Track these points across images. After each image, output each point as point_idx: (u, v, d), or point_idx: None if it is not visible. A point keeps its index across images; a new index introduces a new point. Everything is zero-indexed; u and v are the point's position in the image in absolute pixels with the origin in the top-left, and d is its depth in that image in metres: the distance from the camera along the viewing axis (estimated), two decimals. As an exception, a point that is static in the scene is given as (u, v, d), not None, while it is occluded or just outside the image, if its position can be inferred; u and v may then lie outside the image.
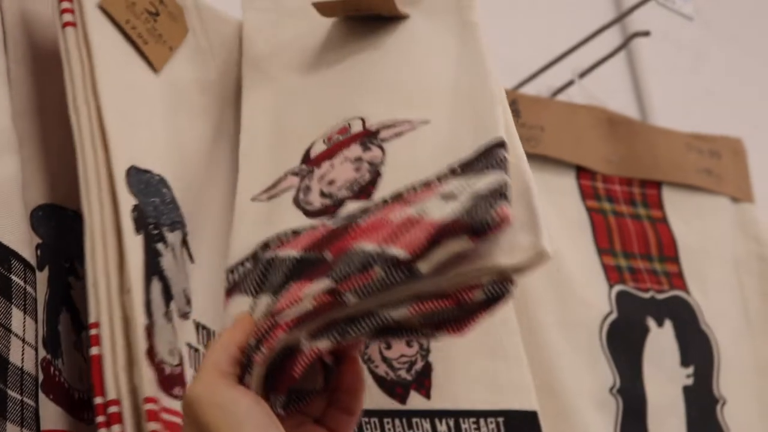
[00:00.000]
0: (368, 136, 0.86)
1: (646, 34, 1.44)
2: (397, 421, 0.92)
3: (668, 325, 1.27)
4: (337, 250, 0.74)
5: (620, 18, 1.51)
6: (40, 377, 0.79)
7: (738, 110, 1.79)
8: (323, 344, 0.71)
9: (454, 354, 0.98)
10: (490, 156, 0.76)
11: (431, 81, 0.90)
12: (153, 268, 0.81)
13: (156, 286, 0.80)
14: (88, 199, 0.81)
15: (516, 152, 0.79)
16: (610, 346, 1.21)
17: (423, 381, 0.95)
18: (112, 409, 0.74)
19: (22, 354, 0.77)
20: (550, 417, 1.04)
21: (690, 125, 1.44)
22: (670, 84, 1.74)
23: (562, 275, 1.21)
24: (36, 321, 0.79)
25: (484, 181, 0.73)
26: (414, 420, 0.92)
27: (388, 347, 0.95)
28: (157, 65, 0.92)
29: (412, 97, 0.89)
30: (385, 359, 0.95)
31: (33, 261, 0.81)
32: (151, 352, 0.76)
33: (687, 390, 1.25)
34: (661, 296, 1.28)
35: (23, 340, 0.77)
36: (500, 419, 0.96)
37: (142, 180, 0.83)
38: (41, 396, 0.78)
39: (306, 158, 0.88)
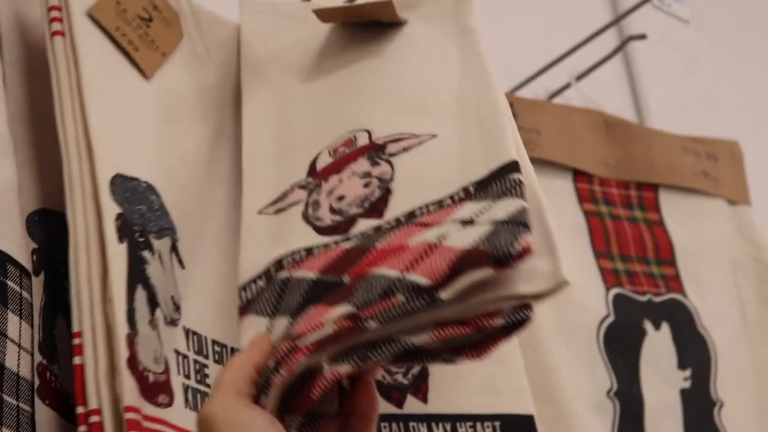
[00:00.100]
0: (375, 150, 0.86)
1: (642, 37, 1.44)
2: (394, 425, 0.92)
3: (665, 328, 1.27)
4: (355, 275, 0.74)
5: (616, 21, 1.51)
6: (36, 383, 0.78)
7: (734, 113, 1.79)
8: (344, 368, 0.72)
9: (451, 358, 0.97)
10: (504, 179, 0.77)
11: (434, 90, 0.90)
12: (138, 276, 0.80)
13: (141, 294, 0.80)
14: (73, 209, 0.81)
15: (527, 172, 0.79)
16: (607, 349, 1.21)
17: (420, 385, 0.95)
18: (94, 418, 0.74)
19: (18, 359, 0.77)
20: (547, 421, 1.04)
21: (687, 128, 1.44)
22: (666, 87, 1.74)
23: (559, 278, 1.20)
24: (32, 326, 0.79)
25: (502, 208, 0.73)
26: (411, 424, 0.92)
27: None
28: (148, 72, 0.91)
29: (416, 108, 0.89)
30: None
31: (29, 266, 0.81)
32: (132, 361, 0.76)
33: (684, 393, 1.25)
34: (658, 299, 1.28)
35: (19, 346, 0.77)
36: (497, 423, 0.96)
37: (128, 188, 0.83)
38: (37, 401, 0.78)
39: (312, 171, 0.88)
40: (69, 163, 0.82)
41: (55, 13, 0.86)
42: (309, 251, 0.81)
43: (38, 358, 0.79)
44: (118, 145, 0.85)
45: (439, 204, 0.78)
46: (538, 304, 0.73)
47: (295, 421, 0.73)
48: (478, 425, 0.95)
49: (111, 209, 0.81)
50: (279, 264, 0.81)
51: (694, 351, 1.28)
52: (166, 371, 0.80)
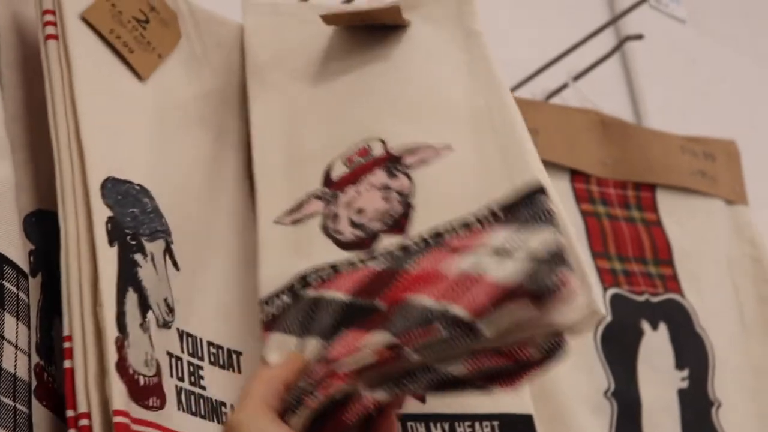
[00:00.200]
0: (392, 162, 0.86)
1: (639, 37, 1.44)
2: (392, 426, 0.91)
3: (663, 328, 1.27)
4: (391, 300, 0.75)
5: (613, 21, 1.51)
6: (33, 384, 0.78)
7: (732, 112, 1.79)
8: (381, 395, 0.73)
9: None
10: (533, 204, 0.77)
11: (445, 97, 0.90)
12: (129, 279, 0.80)
13: (131, 297, 0.80)
14: (64, 212, 0.81)
15: (547, 184, 0.80)
16: (605, 349, 1.21)
17: (418, 385, 0.94)
18: (83, 422, 0.74)
19: (15, 360, 0.77)
20: (544, 420, 1.04)
21: (684, 127, 1.44)
22: (663, 86, 1.74)
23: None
24: (29, 327, 0.79)
25: (538, 240, 0.74)
26: (409, 424, 0.92)
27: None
28: (143, 74, 0.91)
29: (428, 115, 0.89)
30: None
31: (26, 267, 0.81)
32: (122, 364, 0.76)
33: (682, 393, 1.25)
34: (655, 299, 1.28)
35: (16, 347, 0.77)
36: (495, 423, 0.96)
37: (120, 191, 0.83)
38: (34, 402, 0.78)
39: (327, 180, 0.88)
40: (61, 166, 0.82)
41: (48, 17, 0.86)
42: (335, 268, 0.81)
43: (35, 359, 0.79)
44: (111, 147, 0.85)
45: (467, 226, 0.79)
46: (573, 335, 0.74)
47: None
48: (477, 425, 0.95)
49: (102, 212, 0.81)
50: (304, 280, 0.82)
51: (691, 351, 1.28)
52: (158, 374, 0.80)
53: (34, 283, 0.82)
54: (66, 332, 0.78)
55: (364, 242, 0.82)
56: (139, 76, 0.91)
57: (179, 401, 0.82)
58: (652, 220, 1.33)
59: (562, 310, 0.72)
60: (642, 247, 1.30)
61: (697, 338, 1.29)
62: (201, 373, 0.85)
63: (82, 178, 0.82)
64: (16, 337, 0.77)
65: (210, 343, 0.87)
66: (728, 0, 1.99)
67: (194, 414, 0.83)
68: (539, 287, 0.70)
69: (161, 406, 0.79)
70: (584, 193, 1.30)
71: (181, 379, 0.83)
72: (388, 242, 0.81)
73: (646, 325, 1.26)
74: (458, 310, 0.71)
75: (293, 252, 0.84)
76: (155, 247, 0.84)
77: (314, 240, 0.84)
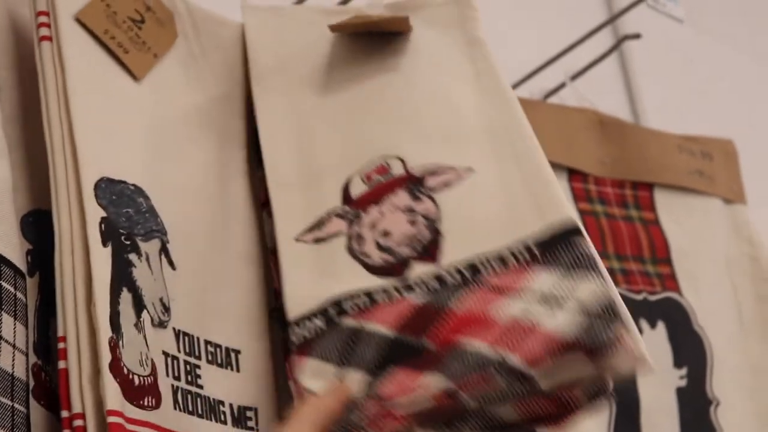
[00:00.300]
0: (414, 183, 0.86)
1: (636, 36, 1.44)
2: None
3: (661, 326, 1.27)
4: (441, 343, 0.75)
5: (611, 20, 1.51)
6: (31, 383, 0.78)
7: (729, 111, 1.79)
8: None
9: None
10: (572, 247, 0.77)
11: (458, 113, 0.90)
12: (123, 279, 0.80)
13: (126, 297, 0.80)
14: (58, 213, 0.81)
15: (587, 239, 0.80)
16: (603, 348, 1.21)
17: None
18: (77, 422, 0.74)
19: (13, 360, 0.77)
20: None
21: (682, 127, 1.44)
22: (661, 85, 1.74)
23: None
24: (26, 327, 0.79)
25: (587, 290, 0.74)
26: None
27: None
28: (138, 74, 0.91)
29: (445, 135, 0.89)
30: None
31: (23, 267, 0.81)
32: (116, 364, 0.76)
33: (680, 391, 1.25)
34: (653, 298, 1.28)
35: (14, 346, 0.77)
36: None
37: (114, 191, 0.83)
38: (32, 402, 0.78)
39: (347, 198, 0.88)
40: (54, 167, 0.82)
41: (42, 18, 0.86)
42: (370, 297, 0.81)
43: (33, 358, 0.79)
44: (105, 147, 0.84)
45: (503, 261, 0.79)
46: (617, 379, 0.76)
47: None
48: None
49: (95, 213, 0.81)
50: (339, 306, 0.81)
51: (690, 350, 1.28)
52: (153, 373, 0.80)
53: (32, 283, 0.82)
54: (60, 333, 0.78)
55: (394, 268, 0.82)
56: (134, 76, 0.91)
57: (175, 400, 0.82)
58: (650, 219, 1.33)
59: (615, 363, 0.73)
60: (640, 246, 1.30)
61: (696, 337, 1.29)
62: (198, 372, 0.85)
63: (76, 179, 0.82)
64: (14, 336, 0.77)
65: (207, 342, 0.87)
66: (726, -1, 1.99)
67: (191, 413, 0.82)
68: (596, 343, 0.71)
69: (157, 406, 0.79)
70: (582, 192, 1.30)
71: (178, 378, 0.83)
72: (421, 271, 0.81)
73: (644, 324, 1.26)
74: (515, 360, 0.72)
75: (319, 272, 0.84)
76: (150, 247, 0.84)
77: (340, 261, 0.84)
